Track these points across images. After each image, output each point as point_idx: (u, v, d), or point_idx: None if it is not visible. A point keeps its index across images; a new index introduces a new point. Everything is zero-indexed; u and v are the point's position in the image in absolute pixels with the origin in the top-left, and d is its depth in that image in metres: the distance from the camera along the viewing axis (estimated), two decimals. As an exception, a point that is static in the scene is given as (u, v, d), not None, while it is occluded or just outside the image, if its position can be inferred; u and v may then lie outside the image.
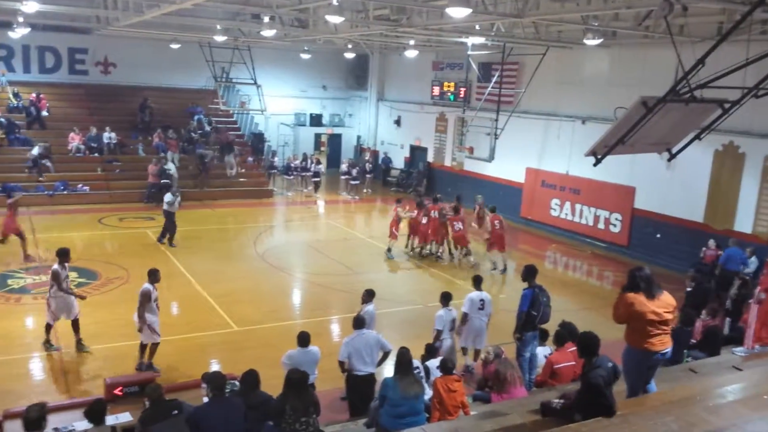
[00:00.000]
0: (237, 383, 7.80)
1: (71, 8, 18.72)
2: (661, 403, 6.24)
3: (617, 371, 5.95)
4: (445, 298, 10.08)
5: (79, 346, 10.71)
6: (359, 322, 8.67)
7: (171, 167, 23.14)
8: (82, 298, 11.13)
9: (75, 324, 10.71)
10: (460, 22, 15.56)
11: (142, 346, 10.12)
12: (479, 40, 19.39)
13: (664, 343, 6.35)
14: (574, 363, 8.08)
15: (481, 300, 10.34)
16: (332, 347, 10.00)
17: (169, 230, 17.66)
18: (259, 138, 29.76)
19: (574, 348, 8.24)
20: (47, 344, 10.67)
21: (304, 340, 8.41)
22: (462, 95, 24.91)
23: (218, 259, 16.87)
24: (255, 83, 26.47)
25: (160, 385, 6.55)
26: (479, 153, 22.69)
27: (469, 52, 21.85)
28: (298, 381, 6.59)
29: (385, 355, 8.61)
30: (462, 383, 7.51)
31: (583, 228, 20.61)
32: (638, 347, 6.35)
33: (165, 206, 17.48)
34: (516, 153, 22.46)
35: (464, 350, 10.57)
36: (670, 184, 17.86)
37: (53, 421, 6.58)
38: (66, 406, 7.67)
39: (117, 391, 7.75)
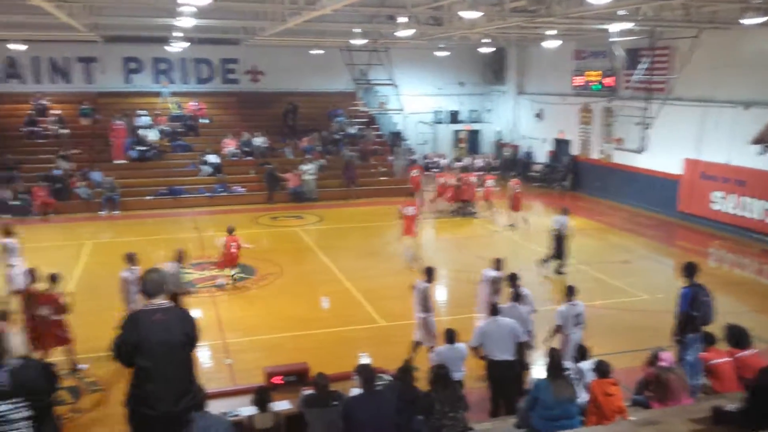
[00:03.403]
0: (386, 377, 7.97)
1: (223, 21, 20.02)
2: None
3: None
4: (570, 292, 9.61)
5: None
6: (495, 309, 8.68)
7: (310, 168, 24.20)
8: None
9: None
10: (603, 9, 14.82)
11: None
12: (624, 25, 18.37)
13: None
14: (731, 359, 7.59)
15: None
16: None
17: (557, 255, 15.38)
18: (397, 137, 30.23)
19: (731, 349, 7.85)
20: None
21: (450, 336, 8.42)
22: (607, 84, 23.79)
23: (364, 256, 17.31)
24: (393, 83, 26.92)
25: (326, 375, 6.86)
26: (629, 144, 21.56)
27: (614, 39, 20.78)
28: (442, 376, 6.63)
29: (520, 346, 8.53)
30: (620, 387, 7.14)
31: (750, 222, 18.85)
32: None
33: (555, 228, 15.38)
34: (670, 143, 21.06)
35: None
36: None
37: (219, 406, 7.04)
38: (230, 392, 8.18)
39: (275, 380, 8.14)
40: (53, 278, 10.13)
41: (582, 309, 9.57)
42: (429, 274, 10.11)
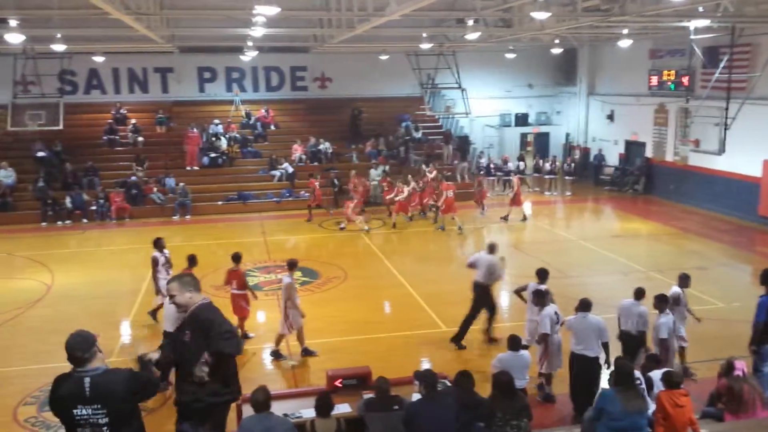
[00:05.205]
0: (447, 382, 7.89)
1: (292, 30, 20.39)
2: None
3: None
4: (661, 301, 9.21)
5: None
6: (584, 305, 8.64)
7: (377, 173, 24.32)
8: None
9: None
10: (681, 6, 14.29)
11: None
12: (703, 22, 17.63)
13: None
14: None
15: (556, 314, 9.28)
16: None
17: None
18: (464, 141, 30.00)
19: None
20: None
21: (514, 343, 8.26)
22: (684, 84, 22.91)
23: (427, 260, 17.26)
24: (460, 87, 26.74)
25: (388, 379, 6.88)
26: (706, 146, 20.67)
27: (692, 37, 19.97)
28: (506, 384, 6.52)
29: (603, 345, 8.51)
30: (690, 398, 6.83)
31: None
32: None
33: None
34: (751, 144, 20.04)
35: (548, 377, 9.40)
36: None
37: (282, 407, 7.13)
38: (293, 395, 8.27)
39: (337, 383, 8.18)
40: (236, 258, 11.50)
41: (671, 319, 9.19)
42: (542, 275, 10.06)
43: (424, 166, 24.10)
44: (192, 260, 11.20)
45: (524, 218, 21.82)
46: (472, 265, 11.45)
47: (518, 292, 10.66)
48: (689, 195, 23.43)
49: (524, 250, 18.18)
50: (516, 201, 21.65)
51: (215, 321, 5.28)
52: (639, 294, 9.37)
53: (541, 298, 9.50)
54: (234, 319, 11.48)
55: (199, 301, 5.37)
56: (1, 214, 22.24)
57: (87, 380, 4.49)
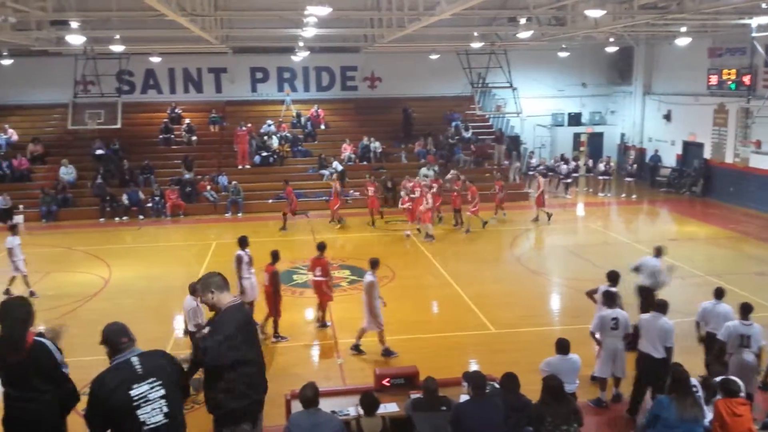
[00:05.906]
0: (496, 384, 7.82)
1: (343, 30, 20.54)
2: None
3: None
4: (744, 310, 8.63)
5: None
6: (660, 306, 8.60)
7: (429, 173, 24.19)
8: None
9: None
10: (742, 3, 13.79)
11: None
12: (766, 19, 16.97)
13: None
14: None
15: (614, 319, 8.94)
16: (593, 357, 9.52)
17: None
18: (515, 141, 29.65)
19: None
20: None
21: (563, 347, 8.10)
22: (746, 83, 22.10)
23: (476, 261, 17.13)
24: (511, 86, 26.46)
25: (436, 380, 6.88)
26: (768, 147, 19.91)
27: (754, 35, 19.25)
28: (555, 388, 6.43)
29: (666, 350, 8.36)
30: (749, 408, 6.58)
31: None
32: None
33: None
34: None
35: (602, 383, 9.14)
36: None
37: (330, 404, 7.18)
38: (341, 392, 8.32)
39: (385, 382, 8.20)
40: (321, 247, 12.08)
41: (755, 332, 8.49)
42: (613, 278, 9.94)
43: (453, 171, 23.32)
44: (275, 256, 11.48)
45: (536, 217, 21.61)
46: (637, 269, 11.35)
47: (590, 294, 10.45)
48: (749, 198, 22.62)
49: (576, 253, 17.85)
50: (538, 201, 21.41)
51: (217, 327, 5.36)
52: (719, 293, 9.17)
53: (609, 300, 9.26)
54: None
55: (225, 304, 5.49)
56: (62, 209, 23.08)
57: (135, 359, 4.66)
